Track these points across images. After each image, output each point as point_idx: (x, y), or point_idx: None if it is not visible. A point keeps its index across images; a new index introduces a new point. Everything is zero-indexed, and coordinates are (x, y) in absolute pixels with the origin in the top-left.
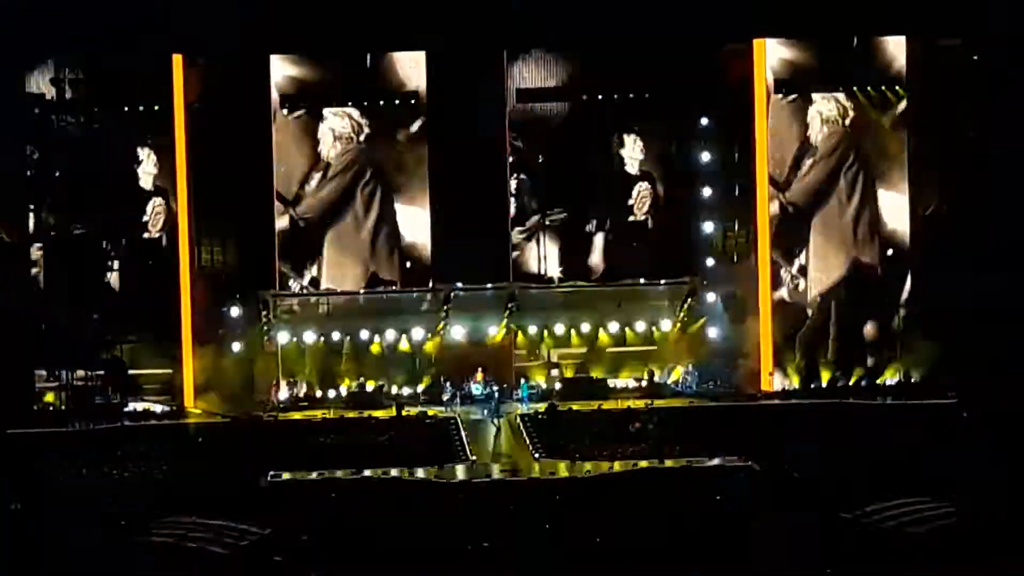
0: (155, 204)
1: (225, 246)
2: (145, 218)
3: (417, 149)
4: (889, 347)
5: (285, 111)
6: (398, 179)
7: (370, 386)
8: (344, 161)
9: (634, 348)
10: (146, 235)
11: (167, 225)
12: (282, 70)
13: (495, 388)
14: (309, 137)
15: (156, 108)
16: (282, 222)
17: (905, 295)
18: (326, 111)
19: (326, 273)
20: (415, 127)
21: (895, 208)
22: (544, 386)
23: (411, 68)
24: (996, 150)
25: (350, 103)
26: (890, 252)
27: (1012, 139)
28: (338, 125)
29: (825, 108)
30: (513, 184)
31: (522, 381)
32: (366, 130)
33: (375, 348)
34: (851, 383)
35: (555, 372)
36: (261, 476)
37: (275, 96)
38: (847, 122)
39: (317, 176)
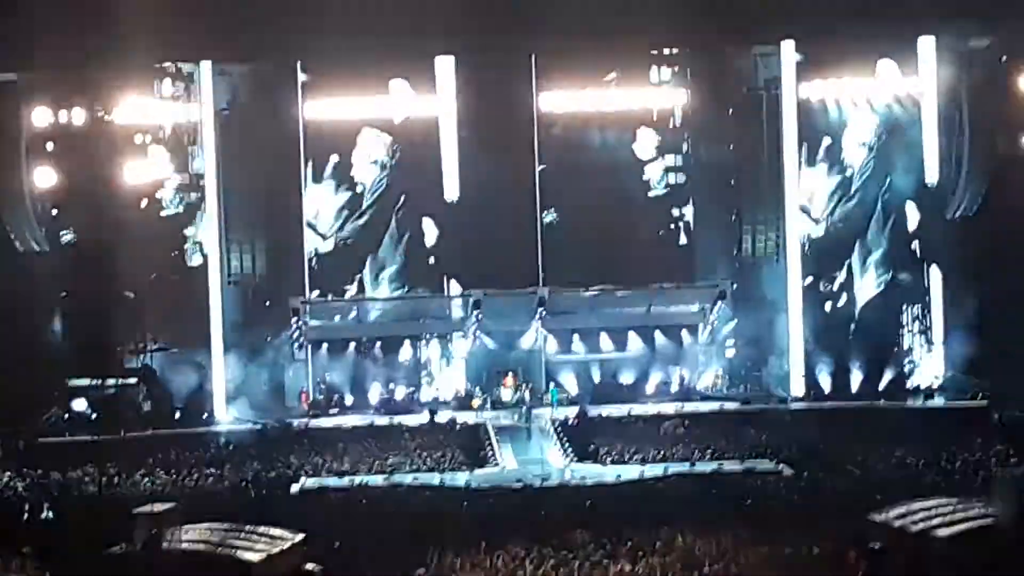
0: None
1: (255, 255)
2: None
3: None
4: (921, 351)
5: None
6: (427, 188)
7: (400, 392)
8: (381, 186)
9: (665, 352)
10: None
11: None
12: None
13: (526, 393)
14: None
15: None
16: (327, 245)
17: (938, 300)
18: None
19: (368, 288)
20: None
21: (925, 212)
22: (575, 391)
23: (439, 77)
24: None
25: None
26: (922, 258)
27: None
28: (373, 150)
29: (859, 132)
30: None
31: (551, 386)
32: (398, 154)
33: (405, 354)
34: (882, 387)
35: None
36: (293, 483)
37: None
38: (879, 143)
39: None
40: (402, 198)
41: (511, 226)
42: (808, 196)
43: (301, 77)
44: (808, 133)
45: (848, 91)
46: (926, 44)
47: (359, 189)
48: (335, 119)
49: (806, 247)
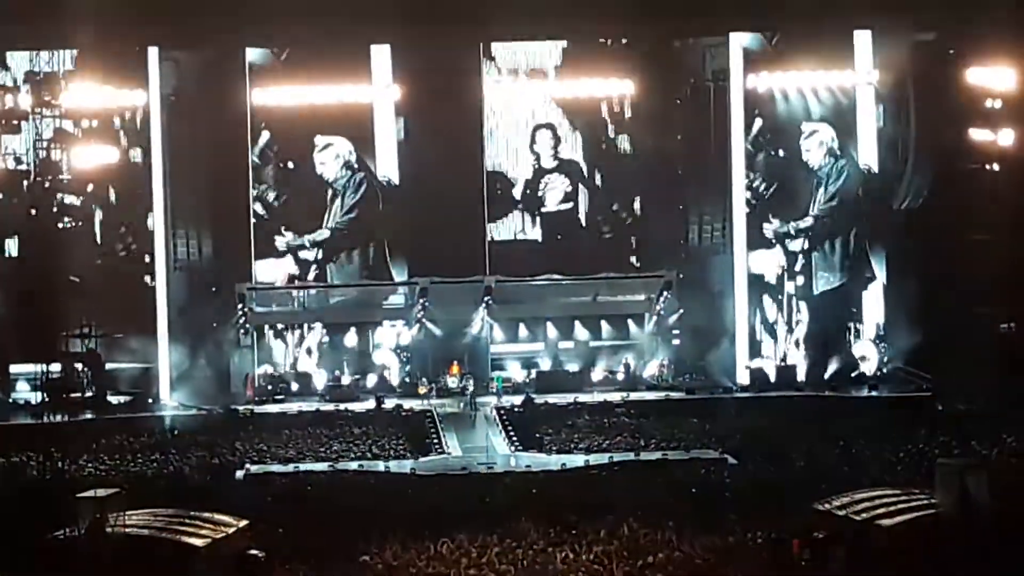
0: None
1: (201, 239)
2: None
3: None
4: (866, 342)
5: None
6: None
7: (346, 379)
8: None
9: (610, 341)
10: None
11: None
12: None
13: (470, 381)
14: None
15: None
16: (324, 233)
17: (883, 291)
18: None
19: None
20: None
21: (871, 203)
22: (520, 379)
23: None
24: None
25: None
26: (868, 249)
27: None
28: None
29: (823, 136)
30: None
31: (496, 374)
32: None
33: (351, 341)
34: (827, 376)
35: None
36: (237, 469)
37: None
38: (826, 134)
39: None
40: (348, 185)
41: (457, 214)
42: (755, 188)
43: (250, 57)
44: (755, 123)
45: (797, 82)
46: (869, 37)
47: (306, 175)
48: (285, 105)
49: (753, 238)
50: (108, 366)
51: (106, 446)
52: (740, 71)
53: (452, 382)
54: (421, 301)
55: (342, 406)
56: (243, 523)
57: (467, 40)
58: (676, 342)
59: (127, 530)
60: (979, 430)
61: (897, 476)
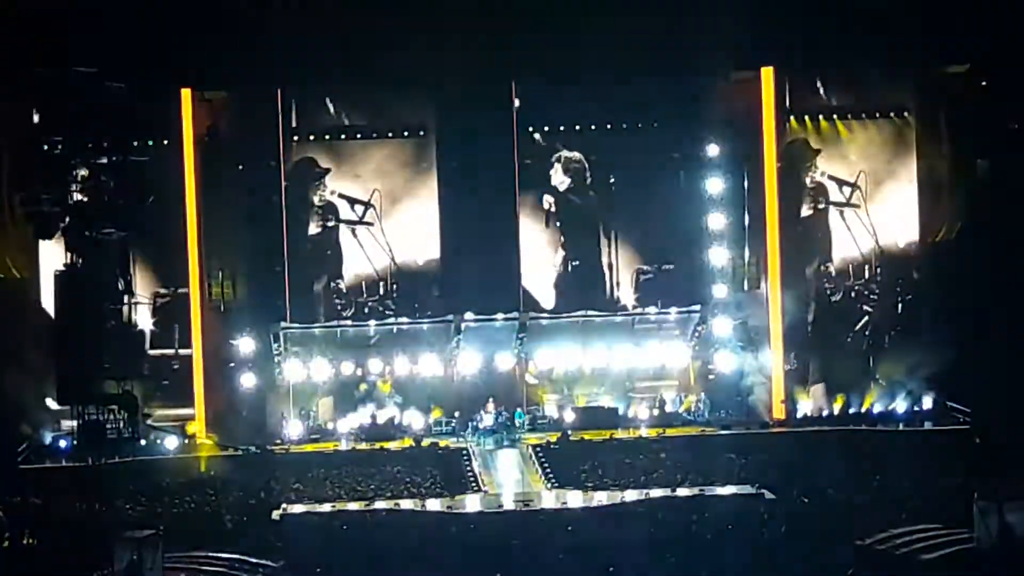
0: None
1: (235, 280)
2: None
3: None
4: (901, 375)
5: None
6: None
7: (382, 418)
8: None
9: (646, 377)
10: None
11: None
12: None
13: (507, 418)
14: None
15: (165, 142)
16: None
17: (919, 324)
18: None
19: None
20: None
21: (906, 237)
22: (555, 415)
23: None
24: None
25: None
26: (901, 281)
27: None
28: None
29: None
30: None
31: (518, 410)
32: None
33: (386, 380)
34: (863, 410)
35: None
36: (273, 509)
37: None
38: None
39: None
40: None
41: (491, 252)
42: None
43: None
44: (790, 160)
45: (831, 117)
46: (904, 72)
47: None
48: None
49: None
50: (144, 407)
51: (143, 487)
52: (773, 105)
53: (488, 419)
54: (456, 339)
55: (378, 444)
56: (280, 563)
57: (500, 87)
58: (712, 377)
59: (165, 571)
60: (1018, 463)
61: (935, 510)
